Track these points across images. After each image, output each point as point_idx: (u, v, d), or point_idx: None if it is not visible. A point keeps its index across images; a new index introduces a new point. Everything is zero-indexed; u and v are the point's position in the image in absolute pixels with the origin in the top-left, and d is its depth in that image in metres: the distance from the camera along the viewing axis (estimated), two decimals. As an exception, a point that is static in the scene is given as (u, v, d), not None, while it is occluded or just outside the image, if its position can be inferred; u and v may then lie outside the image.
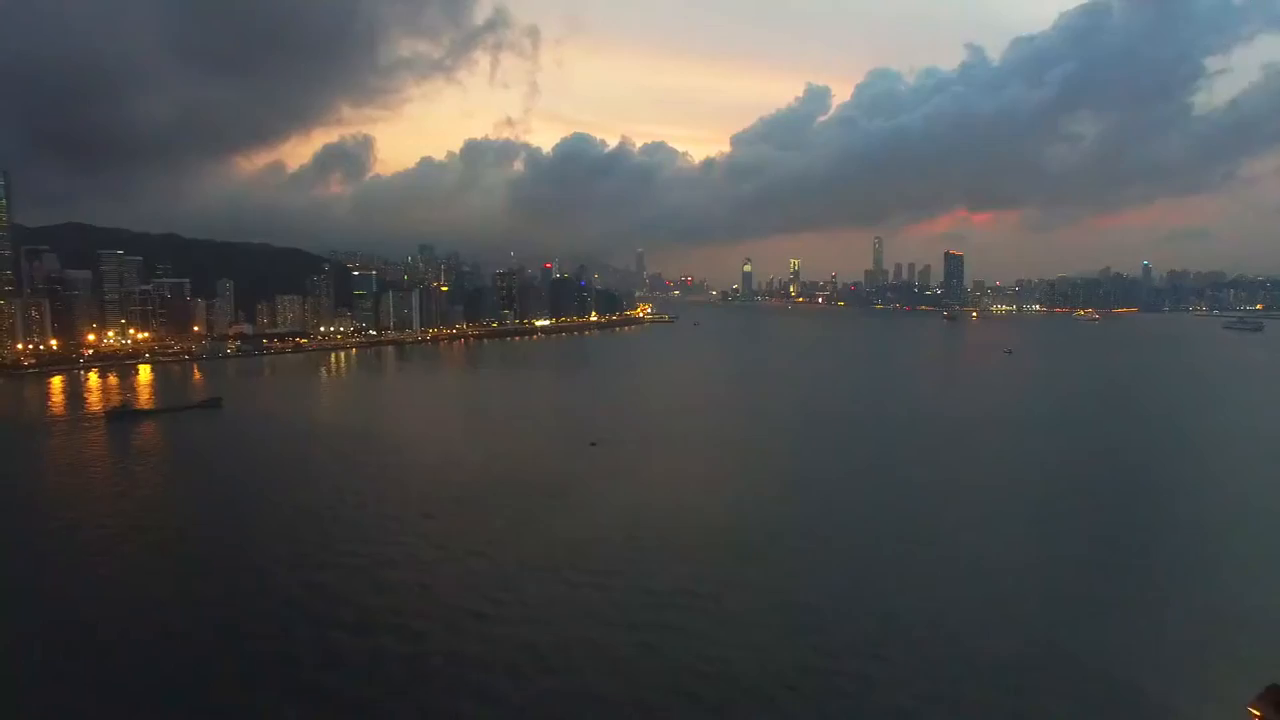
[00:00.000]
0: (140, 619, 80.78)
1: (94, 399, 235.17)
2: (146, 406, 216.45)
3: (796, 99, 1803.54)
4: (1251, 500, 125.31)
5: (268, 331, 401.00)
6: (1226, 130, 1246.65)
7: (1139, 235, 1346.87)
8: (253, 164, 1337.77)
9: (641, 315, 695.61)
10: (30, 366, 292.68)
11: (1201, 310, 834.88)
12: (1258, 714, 44.71)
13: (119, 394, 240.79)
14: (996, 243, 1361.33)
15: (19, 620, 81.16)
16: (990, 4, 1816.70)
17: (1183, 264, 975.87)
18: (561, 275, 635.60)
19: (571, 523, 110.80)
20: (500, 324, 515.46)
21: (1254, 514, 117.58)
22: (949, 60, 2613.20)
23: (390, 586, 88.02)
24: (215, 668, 70.14)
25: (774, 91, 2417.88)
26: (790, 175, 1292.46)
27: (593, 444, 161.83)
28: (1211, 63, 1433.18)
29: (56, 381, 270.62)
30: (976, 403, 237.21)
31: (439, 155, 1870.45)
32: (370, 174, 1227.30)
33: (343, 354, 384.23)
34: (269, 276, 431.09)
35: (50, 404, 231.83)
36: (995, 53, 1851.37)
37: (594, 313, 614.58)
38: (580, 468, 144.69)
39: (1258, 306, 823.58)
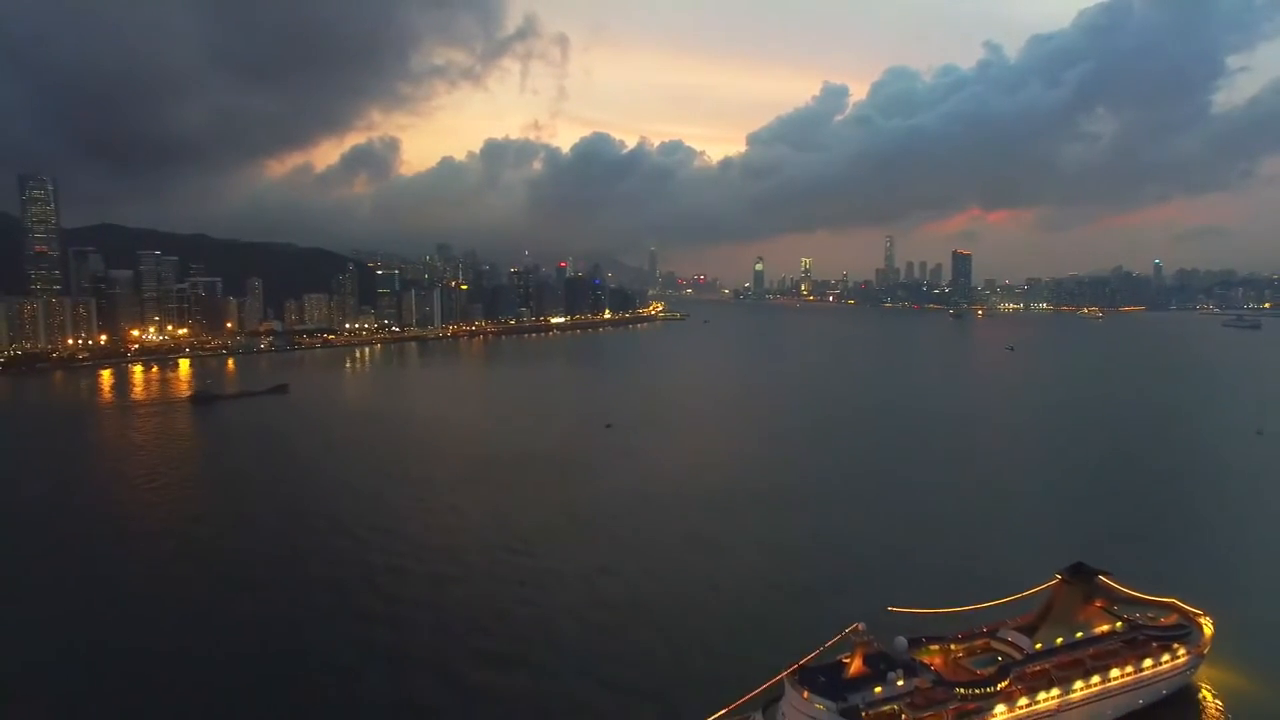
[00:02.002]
0: (229, 558, 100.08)
1: (165, 388, 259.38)
2: (225, 392, 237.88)
3: (814, 98, 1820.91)
4: (1161, 463, 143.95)
5: (296, 328, 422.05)
6: (1246, 128, 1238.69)
7: (1155, 234, 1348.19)
8: (283, 166, 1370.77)
9: (654, 313, 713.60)
10: (84, 360, 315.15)
11: (1209, 308, 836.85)
12: (1060, 578, 63.00)
13: (162, 384, 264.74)
14: (1011, 241, 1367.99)
15: (145, 551, 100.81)
16: (1009, 1, 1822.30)
17: (1199, 262, 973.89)
18: (576, 274, 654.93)
19: (588, 487, 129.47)
20: (517, 321, 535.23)
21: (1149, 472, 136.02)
22: (967, 58, 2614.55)
23: (430, 541, 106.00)
24: (287, 586, 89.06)
25: (792, 89, 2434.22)
26: (806, 175, 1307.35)
27: (608, 425, 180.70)
28: (1233, 61, 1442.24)
29: (106, 374, 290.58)
30: (959, 393, 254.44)
31: (460, 155, 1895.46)
32: (394, 174, 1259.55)
33: (368, 349, 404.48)
34: (294, 275, 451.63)
35: (126, 392, 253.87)
36: (1013, 50, 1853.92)
37: (607, 310, 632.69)
38: (596, 445, 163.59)
39: (1265, 305, 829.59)
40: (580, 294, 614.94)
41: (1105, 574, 63.79)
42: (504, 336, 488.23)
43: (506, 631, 76.79)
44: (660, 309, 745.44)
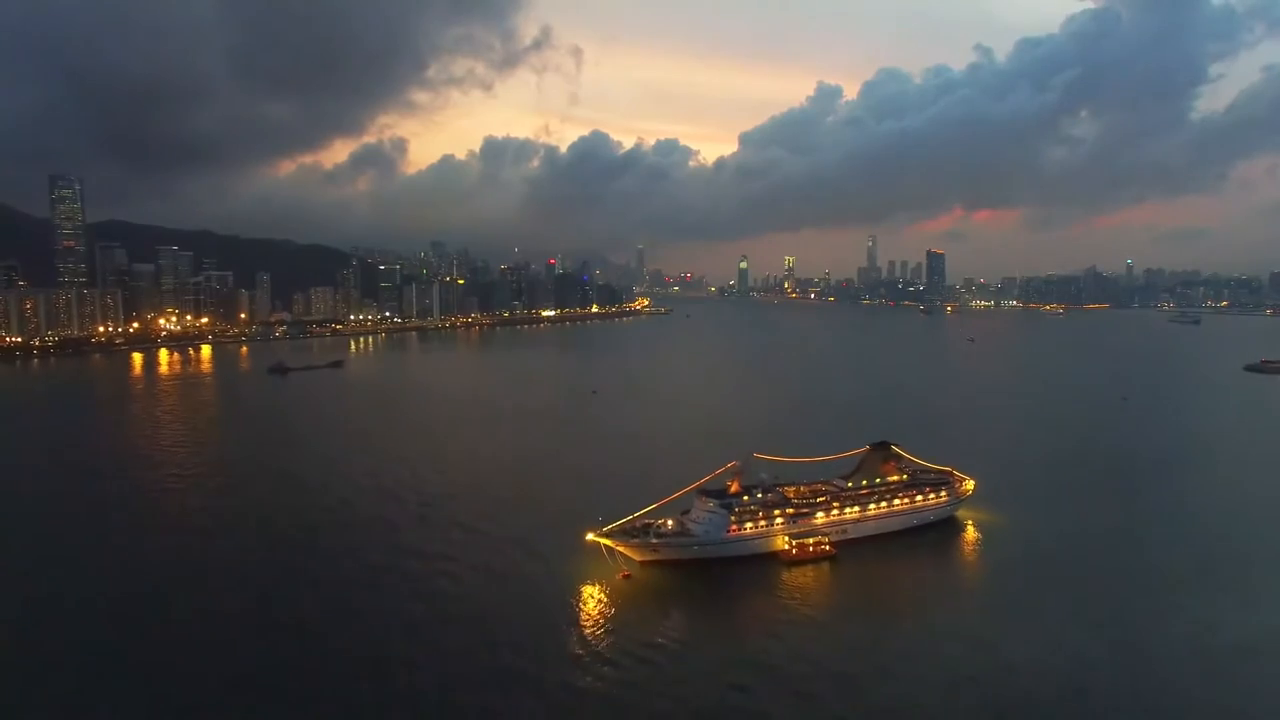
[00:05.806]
0: (283, 502, 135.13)
1: (227, 365, 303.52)
2: (294, 365, 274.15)
3: (807, 98, 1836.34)
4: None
5: (305, 318, 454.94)
6: (1223, 133, 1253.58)
7: (1136, 235, 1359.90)
8: (293, 166, 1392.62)
9: (639, 308, 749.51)
10: (120, 345, 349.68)
11: (1170, 307, 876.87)
12: (868, 447, 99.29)
13: (182, 365, 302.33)
14: (995, 241, 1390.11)
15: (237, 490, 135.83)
16: (999, 3, 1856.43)
17: (1180, 263, 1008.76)
18: (564, 270, 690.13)
19: (576, 434, 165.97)
20: (510, 314, 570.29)
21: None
22: (958, 58, 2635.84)
23: (449, 471, 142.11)
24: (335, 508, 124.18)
25: (787, 89, 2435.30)
26: (796, 176, 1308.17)
27: (594, 392, 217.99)
28: (1215, 68, 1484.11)
29: (138, 357, 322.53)
30: (915, 370, 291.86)
31: (461, 154, 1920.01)
32: (399, 173, 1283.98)
33: (373, 338, 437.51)
34: (296, 270, 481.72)
35: (195, 369, 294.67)
36: (1003, 53, 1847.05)
37: (595, 305, 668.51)
38: (583, 406, 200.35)
39: (1223, 304, 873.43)
40: (569, 289, 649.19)
41: (898, 445, 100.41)
42: (498, 327, 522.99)
43: (529, 497, 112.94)
44: (645, 304, 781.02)
